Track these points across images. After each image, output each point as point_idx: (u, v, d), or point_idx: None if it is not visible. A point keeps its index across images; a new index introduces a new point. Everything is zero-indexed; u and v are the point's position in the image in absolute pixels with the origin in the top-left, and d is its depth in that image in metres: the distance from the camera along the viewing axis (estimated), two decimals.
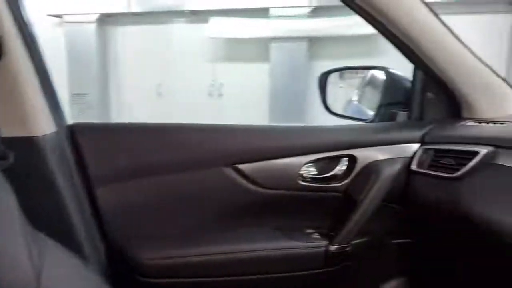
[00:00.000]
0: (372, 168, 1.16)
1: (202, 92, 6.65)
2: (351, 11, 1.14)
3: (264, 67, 6.28)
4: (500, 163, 0.99)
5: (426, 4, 1.09)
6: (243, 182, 1.16)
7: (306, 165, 1.17)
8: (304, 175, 1.18)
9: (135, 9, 6.49)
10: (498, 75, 1.19)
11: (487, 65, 1.17)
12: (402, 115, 1.32)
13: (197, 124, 1.21)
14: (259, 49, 6.28)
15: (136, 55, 6.76)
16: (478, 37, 5.18)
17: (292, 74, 6.08)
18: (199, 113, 6.43)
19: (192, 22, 6.57)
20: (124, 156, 1.14)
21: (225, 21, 6.19)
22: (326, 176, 1.19)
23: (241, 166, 1.16)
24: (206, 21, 6.23)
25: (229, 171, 1.15)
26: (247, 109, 6.34)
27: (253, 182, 1.16)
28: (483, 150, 1.02)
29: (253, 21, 6.14)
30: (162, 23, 6.60)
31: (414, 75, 1.26)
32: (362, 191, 1.13)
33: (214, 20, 6.21)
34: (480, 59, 1.15)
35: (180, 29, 6.60)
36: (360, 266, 1.24)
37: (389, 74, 1.34)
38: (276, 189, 1.18)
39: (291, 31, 5.96)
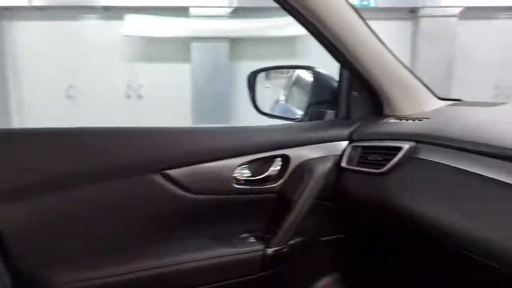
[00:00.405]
0: (305, 167, 1.15)
1: (119, 93, 6.28)
2: (272, 13, 1.13)
3: (185, 68, 6.15)
4: (421, 157, 1.05)
5: (353, 7, 1.12)
6: (173, 188, 1.08)
7: (240, 167, 1.13)
8: (237, 177, 1.13)
9: (37, 2, 5.90)
10: (414, 75, 1.26)
11: (405, 66, 1.24)
12: (330, 114, 1.35)
13: (117, 128, 1.10)
14: (179, 49, 6.13)
15: (40, 53, 6.14)
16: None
17: (215, 74, 6.04)
18: (117, 116, 6.06)
19: (105, 19, 6.17)
20: (32, 166, 0.99)
21: (141, 19, 5.92)
22: (261, 178, 1.16)
23: (169, 172, 1.07)
24: (121, 18, 5.90)
25: (157, 178, 1.06)
26: (169, 111, 6.14)
27: (184, 188, 1.09)
28: (405, 146, 1.07)
29: (172, 20, 5.96)
30: (70, 19, 6.09)
31: (341, 75, 1.29)
32: (296, 190, 1.12)
33: (129, 18, 5.91)
34: (399, 60, 1.21)
35: (92, 26, 6.16)
36: (295, 266, 1.24)
37: (316, 73, 1.36)
38: (209, 194, 1.12)
39: (212, 31, 5.92)
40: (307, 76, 1.41)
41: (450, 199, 0.96)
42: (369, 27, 1.14)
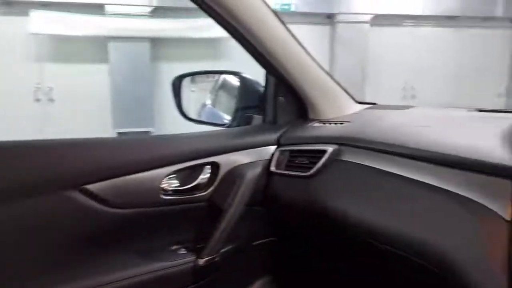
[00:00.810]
0: (235, 173, 1.14)
1: (26, 97, 5.71)
2: (195, 13, 1.10)
3: (103, 68, 5.79)
4: (344, 159, 1.10)
5: (273, 11, 1.13)
6: (95, 205, 0.99)
7: (168, 177, 1.08)
8: (165, 188, 1.08)
9: None
10: (334, 80, 1.32)
11: (325, 71, 1.29)
12: (257, 119, 1.35)
13: (29, 140, 0.98)
14: (96, 49, 5.75)
15: None
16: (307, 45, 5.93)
17: (135, 76, 5.78)
18: (25, 122, 5.51)
19: (7, 15, 5.56)
20: None
21: (49, 15, 5.44)
22: (190, 187, 1.12)
23: (90, 187, 0.99)
24: (26, 14, 5.37)
25: (76, 195, 0.97)
26: (85, 115, 5.73)
27: (107, 203, 1.01)
28: (329, 149, 1.12)
29: (85, 17, 5.57)
30: None
31: (267, 80, 1.30)
32: (227, 197, 1.10)
33: (36, 14, 5.40)
34: (319, 65, 1.26)
35: None
36: (228, 273, 1.22)
37: (243, 79, 1.36)
38: (135, 207, 1.05)
39: (131, 31, 5.65)
40: (234, 80, 1.40)
41: (370, 198, 1.01)
42: (289, 31, 1.17)
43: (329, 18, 6.73)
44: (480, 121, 1.04)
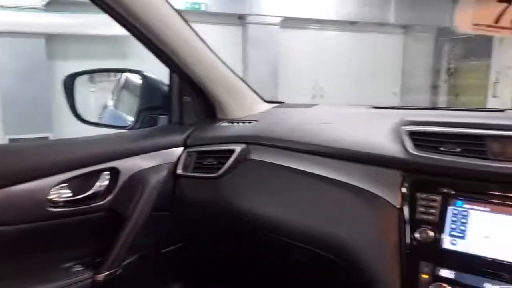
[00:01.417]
0: (138, 179, 1.07)
1: None
2: (95, 8, 1.00)
3: None
4: (252, 158, 1.10)
5: (179, 12, 1.09)
6: None
7: (57, 187, 0.96)
8: (54, 199, 0.96)
9: None
10: (242, 80, 1.31)
11: (232, 71, 1.27)
12: (162, 120, 1.29)
13: None
14: None
15: None
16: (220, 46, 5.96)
17: (30, 76, 5.21)
18: None
19: None
20: None
21: None
22: (85, 196, 1.02)
23: None
24: None
25: None
26: None
27: None
28: (238, 148, 1.10)
29: None
30: None
31: (171, 79, 1.24)
32: (129, 204, 1.03)
33: None
34: (226, 65, 1.24)
35: None
36: (134, 285, 1.14)
37: (145, 78, 1.28)
38: (18, 223, 0.92)
39: (23, 26, 5.08)
40: (138, 79, 1.31)
41: (276, 195, 1.03)
42: (193, 30, 1.13)
43: (241, 19, 6.80)
44: (376, 117, 1.10)
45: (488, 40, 8.40)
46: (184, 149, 1.17)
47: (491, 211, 0.76)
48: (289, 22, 7.01)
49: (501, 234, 0.74)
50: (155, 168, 1.11)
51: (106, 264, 1.00)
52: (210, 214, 1.14)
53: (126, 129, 1.27)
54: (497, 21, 0.60)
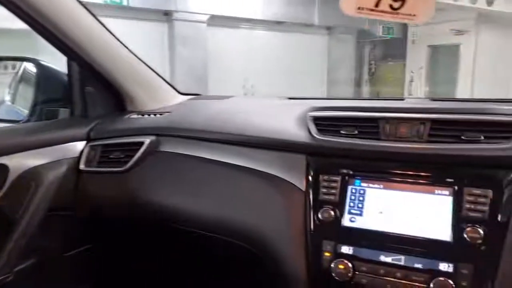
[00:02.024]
0: (31, 176, 0.97)
1: None
2: None
3: None
4: (162, 150, 1.06)
5: (81, 3, 1.01)
6: None
7: None
8: None
9: None
10: (155, 72, 1.26)
11: (145, 64, 1.22)
12: (63, 113, 1.19)
13: None
14: None
15: None
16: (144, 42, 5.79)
17: None
18: None
19: None
20: None
21: None
22: None
23: None
24: None
25: None
26: None
27: None
28: (147, 140, 1.05)
29: None
30: None
31: (69, 68, 1.15)
32: (20, 204, 0.94)
33: None
34: (138, 58, 1.19)
35: None
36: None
37: (41, 67, 1.17)
38: None
39: None
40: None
41: (187, 187, 1.00)
42: (100, 22, 1.06)
43: (167, 15, 6.63)
44: (287, 107, 1.12)
45: (403, 42, 9.14)
46: (87, 143, 1.09)
47: (384, 188, 0.80)
48: (216, 20, 6.98)
49: (392, 209, 0.78)
50: (53, 164, 1.02)
51: None
52: (116, 211, 1.08)
53: (20, 123, 1.15)
54: (377, 5, 0.63)
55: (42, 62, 1.18)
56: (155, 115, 1.19)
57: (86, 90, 1.16)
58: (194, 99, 1.36)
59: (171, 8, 6.53)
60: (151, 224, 1.07)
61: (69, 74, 1.16)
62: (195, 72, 6.57)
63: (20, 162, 0.97)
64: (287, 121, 0.97)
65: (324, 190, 0.83)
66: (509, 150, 0.73)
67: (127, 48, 1.16)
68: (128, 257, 1.21)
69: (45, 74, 1.18)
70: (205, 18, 6.84)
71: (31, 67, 1.35)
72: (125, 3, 5.99)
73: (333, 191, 0.82)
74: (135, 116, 1.20)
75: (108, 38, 1.10)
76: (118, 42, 1.13)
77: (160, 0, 6.41)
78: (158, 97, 1.27)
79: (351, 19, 7.70)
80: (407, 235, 0.75)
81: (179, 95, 1.35)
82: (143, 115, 1.21)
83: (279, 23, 7.83)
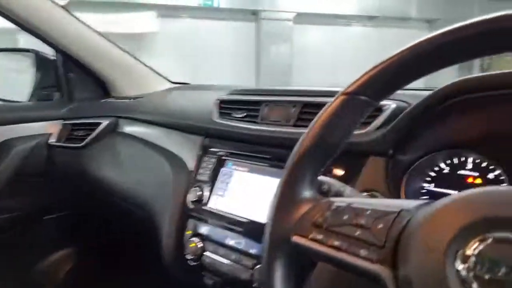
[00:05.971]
0: (6, 147, 1.18)
1: None
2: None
3: None
4: (120, 131, 1.17)
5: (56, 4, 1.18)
6: None
7: None
8: None
9: None
10: (141, 62, 1.39)
11: (124, 51, 1.35)
12: (57, 96, 1.39)
13: None
14: None
15: None
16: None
17: None
18: None
19: None
20: None
21: None
22: None
23: None
24: None
25: None
26: None
27: None
28: (105, 121, 1.18)
29: None
30: None
31: (57, 58, 1.34)
32: None
33: None
34: (121, 48, 1.32)
35: None
36: (13, 249, 1.25)
37: (38, 56, 1.39)
38: None
39: None
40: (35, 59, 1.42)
41: (123, 163, 1.10)
42: (75, 17, 1.22)
43: (254, 15, 6.84)
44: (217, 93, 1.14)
45: None
46: (62, 122, 1.27)
47: (248, 171, 0.78)
48: (303, 18, 6.96)
49: (248, 192, 0.76)
50: (27, 138, 1.21)
51: None
52: (79, 183, 1.23)
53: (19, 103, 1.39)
54: None
55: (40, 53, 1.40)
56: (129, 99, 1.32)
57: (68, 77, 1.34)
58: (178, 88, 1.44)
59: (258, 8, 6.72)
60: (102, 196, 1.20)
61: (57, 63, 1.35)
62: (279, 67, 6.66)
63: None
64: (204, 106, 0.99)
65: (201, 170, 0.85)
66: (365, 136, 0.66)
67: (106, 39, 1.29)
68: (98, 226, 1.36)
69: (41, 62, 1.40)
70: (291, 16, 6.87)
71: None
72: (216, 4, 6.37)
73: (207, 172, 0.83)
74: (111, 100, 1.34)
75: (85, 31, 1.25)
76: (96, 33, 1.27)
77: (248, 1, 6.65)
78: (141, 84, 1.39)
79: (453, 10, 6.93)
80: (251, 219, 0.72)
81: (168, 83, 1.45)
82: (121, 100, 1.34)
83: (370, 17, 7.44)
